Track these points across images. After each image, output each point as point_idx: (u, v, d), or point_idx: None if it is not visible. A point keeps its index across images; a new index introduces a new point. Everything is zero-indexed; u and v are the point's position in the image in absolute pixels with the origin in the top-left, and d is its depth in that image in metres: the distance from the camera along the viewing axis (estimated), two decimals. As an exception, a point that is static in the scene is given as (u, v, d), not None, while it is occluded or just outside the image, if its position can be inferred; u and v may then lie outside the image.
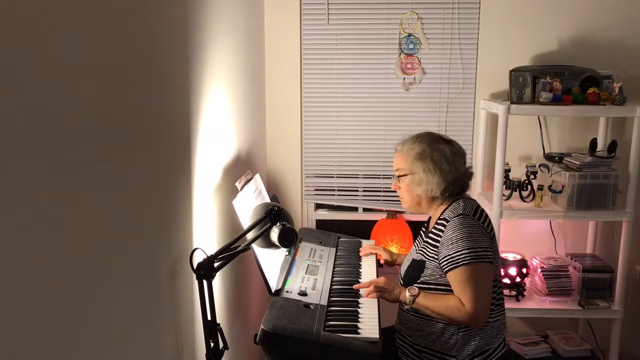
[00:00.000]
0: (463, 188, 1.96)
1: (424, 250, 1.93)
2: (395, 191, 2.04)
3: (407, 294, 1.88)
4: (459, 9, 2.81)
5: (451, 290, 1.83)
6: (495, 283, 1.88)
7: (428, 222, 2.07)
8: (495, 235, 1.95)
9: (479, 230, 1.83)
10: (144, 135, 1.29)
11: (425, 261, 1.91)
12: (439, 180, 1.90)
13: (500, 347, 1.92)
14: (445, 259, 1.82)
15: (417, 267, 1.93)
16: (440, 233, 1.87)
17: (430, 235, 1.93)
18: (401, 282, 2.03)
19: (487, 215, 1.91)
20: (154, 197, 1.36)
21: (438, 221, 1.91)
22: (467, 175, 1.97)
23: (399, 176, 1.99)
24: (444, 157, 1.90)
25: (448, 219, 1.86)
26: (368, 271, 2.26)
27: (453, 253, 1.80)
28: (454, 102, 2.89)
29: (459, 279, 1.80)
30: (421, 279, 1.91)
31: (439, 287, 1.87)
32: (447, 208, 1.91)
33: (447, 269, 1.82)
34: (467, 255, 1.78)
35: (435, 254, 1.87)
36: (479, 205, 1.92)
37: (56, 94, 0.93)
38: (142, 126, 1.28)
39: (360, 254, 2.41)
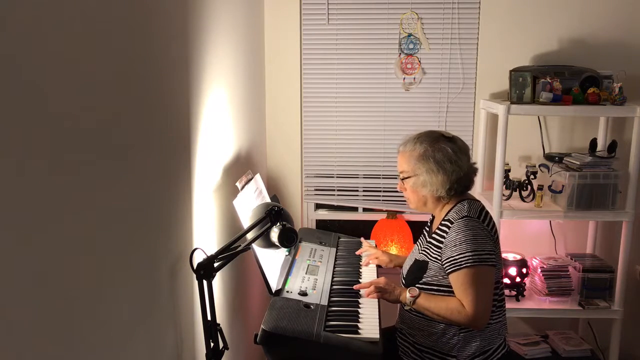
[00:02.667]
0: (467, 185, 1.95)
1: (427, 251, 1.93)
2: (398, 191, 2.04)
3: (408, 294, 1.88)
4: (459, 9, 2.81)
5: (452, 292, 1.83)
6: (497, 285, 1.88)
7: (431, 222, 2.07)
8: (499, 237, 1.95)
9: (482, 233, 1.82)
10: (144, 135, 1.29)
11: (427, 262, 1.90)
12: (442, 180, 1.88)
13: (500, 348, 1.92)
14: (448, 260, 1.82)
15: (419, 267, 1.93)
16: (444, 234, 1.86)
17: (433, 236, 1.93)
18: (403, 282, 2.02)
19: (491, 218, 1.90)
20: (154, 197, 1.36)
21: (442, 222, 1.90)
22: (472, 171, 1.95)
23: (403, 178, 1.98)
24: (446, 156, 1.88)
25: (452, 220, 1.86)
26: (368, 271, 2.25)
27: (456, 255, 1.80)
28: (454, 102, 2.89)
29: (460, 281, 1.79)
30: (423, 279, 1.91)
31: (440, 288, 1.87)
32: (452, 209, 1.90)
33: (449, 270, 1.82)
34: (470, 258, 1.78)
35: (438, 255, 1.87)
36: (483, 207, 1.91)
37: (56, 94, 0.92)
38: (142, 126, 1.28)
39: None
